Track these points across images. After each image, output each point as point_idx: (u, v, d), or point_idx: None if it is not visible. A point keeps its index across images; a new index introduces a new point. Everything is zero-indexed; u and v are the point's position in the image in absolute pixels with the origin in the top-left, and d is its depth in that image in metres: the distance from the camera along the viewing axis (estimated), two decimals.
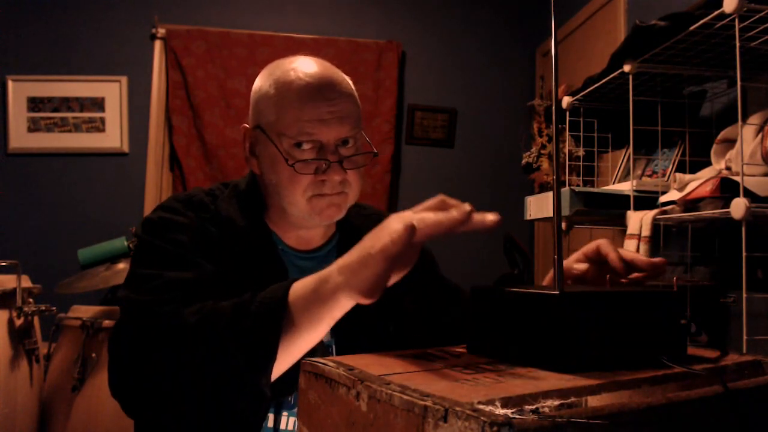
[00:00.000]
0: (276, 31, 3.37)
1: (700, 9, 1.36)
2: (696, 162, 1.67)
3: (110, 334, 0.82)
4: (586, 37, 2.88)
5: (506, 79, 3.57)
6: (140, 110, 3.27)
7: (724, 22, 1.31)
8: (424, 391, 0.41)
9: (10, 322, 1.85)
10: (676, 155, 1.78)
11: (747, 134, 1.37)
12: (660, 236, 1.57)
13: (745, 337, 1.21)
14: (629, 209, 1.61)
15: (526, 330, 0.54)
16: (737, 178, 1.24)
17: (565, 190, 1.70)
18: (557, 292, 0.51)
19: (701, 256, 1.69)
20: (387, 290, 0.66)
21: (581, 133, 2.06)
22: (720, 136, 1.50)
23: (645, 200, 1.63)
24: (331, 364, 0.52)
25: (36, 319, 1.96)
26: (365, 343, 0.93)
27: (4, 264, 1.90)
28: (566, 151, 2.22)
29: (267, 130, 0.91)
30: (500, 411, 0.36)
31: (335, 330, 0.96)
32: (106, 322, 1.98)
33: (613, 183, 2.01)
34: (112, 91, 3.25)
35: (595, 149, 2.13)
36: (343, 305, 0.67)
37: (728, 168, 1.43)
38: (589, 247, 0.80)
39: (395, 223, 0.61)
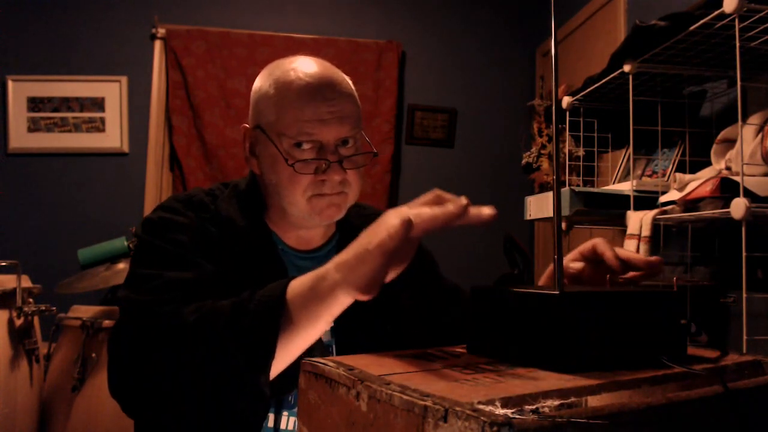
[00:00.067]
0: (276, 31, 3.37)
1: (700, 9, 1.36)
2: (696, 162, 1.67)
3: (109, 334, 0.82)
4: (586, 37, 2.88)
5: (506, 79, 3.57)
6: (140, 110, 3.27)
7: (724, 22, 1.31)
8: (424, 391, 0.41)
9: (10, 322, 1.85)
10: (676, 155, 1.78)
11: (747, 134, 1.37)
12: (660, 236, 1.57)
13: (745, 337, 1.20)
14: (629, 209, 1.61)
15: (526, 330, 0.54)
16: (737, 178, 1.24)
17: (565, 190, 1.70)
18: (557, 292, 0.51)
19: (701, 256, 1.69)
20: (387, 290, 0.66)
21: (581, 133, 2.06)
22: (720, 136, 1.50)
23: (645, 200, 1.63)
24: (331, 364, 0.52)
25: (36, 319, 1.96)
26: (365, 343, 0.93)
27: (4, 264, 1.90)
28: (566, 151, 2.22)
29: (267, 130, 0.91)
30: (500, 411, 0.36)
31: (335, 330, 0.96)
32: (106, 322, 1.98)
33: (613, 183, 2.01)
34: (112, 91, 3.25)
35: (595, 149, 2.13)
36: (341, 302, 0.67)
37: (728, 168, 1.43)
38: (585, 246, 0.80)
39: (392, 219, 0.62)
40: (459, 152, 3.52)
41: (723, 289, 1.41)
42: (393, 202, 3.38)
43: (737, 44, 1.23)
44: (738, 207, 1.19)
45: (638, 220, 1.52)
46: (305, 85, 0.88)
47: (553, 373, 0.49)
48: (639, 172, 1.90)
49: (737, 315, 1.26)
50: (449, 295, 1.11)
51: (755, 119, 1.40)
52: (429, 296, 1.08)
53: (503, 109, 3.55)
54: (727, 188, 1.29)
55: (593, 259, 0.78)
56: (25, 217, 3.15)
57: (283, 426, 0.90)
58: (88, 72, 3.25)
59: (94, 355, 1.95)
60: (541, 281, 0.88)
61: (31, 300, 1.96)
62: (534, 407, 0.38)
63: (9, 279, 1.88)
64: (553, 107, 0.62)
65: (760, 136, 1.34)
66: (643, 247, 1.49)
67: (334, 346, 0.96)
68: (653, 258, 0.77)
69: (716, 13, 1.28)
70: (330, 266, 0.67)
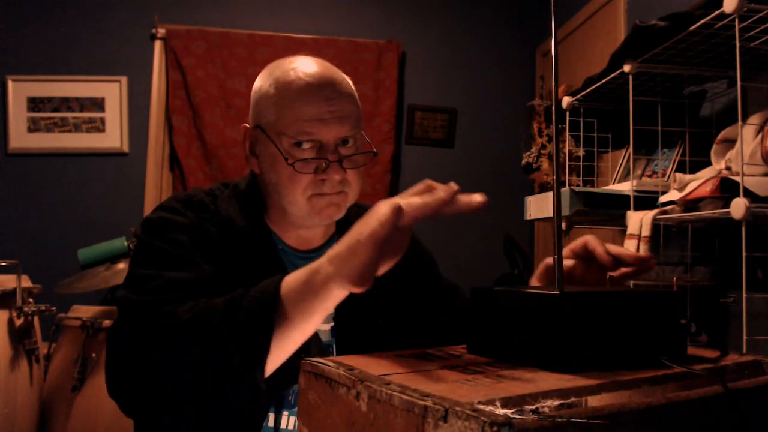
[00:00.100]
0: (276, 31, 3.37)
1: (700, 9, 1.36)
2: (696, 162, 1.67)
3: (107, 334, 0.82)
4: (586, 37, 2.88)
5: (506, 79, 3.57)
6: (140, 110, 3.27)
7: (724, 22, 1.31)
8: (424, 391, 0.41)
9: (10, 322, 1.85)
10: (676, 155, 1.78)
11: (747, 134, 1.37)
12: (660, 236, 1.57)
13: (745, 337, 1.20)
14: (629, 209, 1.61)
15: (526, 330, 0.54)
16: (737, 178, 1.24)
17: (565, 190, 1.70)
18: (557, 292, 0.51)
19: (701, 256, 1.69)
20: (387, 290, 0.66)
21: (581, 133, 2.06)
22: (720, 136, 1.50)
23: (645, 200, 1.63)
24: (331, 364, 0.52)
25: (36, 319, 1.96)
26: (365, 343, 0.93)
27: (4, 264, 1.90)
28: (566, 151, 2.22)
29: (267, 129, 0.91)
30: (500, 411, 0.36)
31: (335, 330, 0.96)
32: (106, 322, 1.98)
33: (613, 183, 2.01)
34: (112, 91, 3.25)
35: (595, 149, 2.13)
36: (336, 295, 0.67)
37: (728, 168, 1.43)
38: (576, 243, 0.80)
39: (382, 208, 0.62)
40: (459, 152, 3.52)
41: (723, 289, 1.41)
42: None
43: (737, 44, 1.23)
44: (738, 207, 1.19)
45: (638, 220, 1.52)
46: (305, 85, 0.88)
47: (553, 373, 0.49)
48: (639, 172, 1.90)
49: (737, 315, 1.26)
50: (449, 295, 1.11)
51: (755, 119, 1.40)
52: (429, 296, 1.08)
53: (503, 109, 3.55)
54: (727, 188, 1.29)
55: (585, 256, 0.78)
56: (25, 217, 3.15)
57: (283, 425, 0.90)
58: (88, 72, 3.25)
59: (94, 355, 1.95)
60: (534, 280, 0.88)
61: (31, 300, 1.96)
62: (534, 407, 0.38)
63: (9, 279, 1.88)
64: (553, 107, 0.62)
65: (760, 136, 1.34)
66: (643, 247, 1.48)
67: (334, 346, 0.96)
68: (643, 254, 0.77)
69: (716, 13, 1.28)
70: (323, 259, 0.67)
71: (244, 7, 3.40)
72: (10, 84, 3.18)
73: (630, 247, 1.50)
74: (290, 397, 0.91)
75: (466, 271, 2.38)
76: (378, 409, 0.43)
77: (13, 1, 3.21)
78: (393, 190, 3.40)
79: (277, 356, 0.71)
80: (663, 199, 1.53)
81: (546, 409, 0.38)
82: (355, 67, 3.32)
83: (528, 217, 2.02)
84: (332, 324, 0.97)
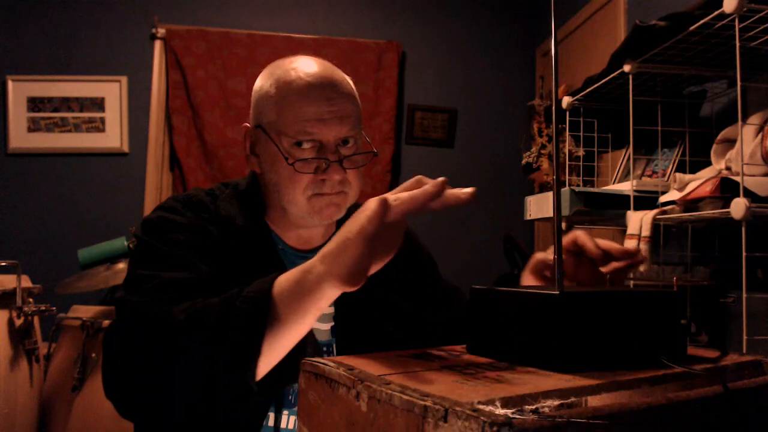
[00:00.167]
0: (276, 31, 3.37)
1: (700, 9, 1.36)
2: (696, 162, 1.67)
3: (105, 336, 0.82)
4: (586, 37, 2.88)
5: (506, 79, 3.57)
6: (140, 110, 3.28)
7: (724, 22, 1.31)
8: (424, 391, 0.41)
9: (10, 322, 1.84)
10: (676, 155, 1.78)
11: (747, 134, 1.37)
12: (660, 236, 1.57)
13: (745, 337, 1.20)
14: (629, 209, 1.61)
15: (526, 330, 0.54)
16: (737, 178, 1.24)
17: (565, 190, 1.70)
18: (557, 292, 0.51)
19: (701, 256, 1.69)
20: (386, 290, 0.66)
21: (581, 133, 2.06)
22: (720, 136, 1.50)
23: (645, 200, 1.63)
24: (331, 364, 0.52)
25: (36, 319, 1.96)
26: (365, 343, 0.93)
27: (4, 264, 1.90)
28: (566, 151, 2.22)
29: (267, 129, 0.91)
30: (500, 411, 0.36)
31: (335, 330, 0.96)
32: (106, 322, 1.97)
33: (613, 183, 2.01)
34: (112, 91, 3.25)
35: (595, 149, 2.13)
36: (328, 295, 0.66)
37: (728, 168, 1.43)
38: (565, 239, 0.81)
39: (371, 203, 0.61)
40: (459, 152, 3.52)
41: (723, 289, 1.41)
42: None
43: (737, 44, 1.23)
44: (738, 207, 1.19)
45: (638, 220, 1.52)
46: (306, 85, 0.88)
47: (553, 373, 0.49)
48: (639, 172, 1.90)
49: (737, 315, 1.26)
50: (449, 296, 1.11)
51: (755, 119, 1.40)
52: (428, 296, 1.08)
53: (503, 109, 3.55)
54: (727, 188, 1.29)
55: (575, 251, 0.78)
56: (25, 217, 3.15)
57: (283, 425, 0.90)
58: (88, 72, 3.25)
59: (94, 355, 1.95)
60: (526, 274, 0.88)
61: (31, 300, 1.96)
62: (534, 407, 0.38)
63: (9, 279, 1.88)
64: (553, 107, 0.62)
65: (760, 136, 1.34)
66: (643, 247, 1.48)
67: (334, 346, 0.96)
68: (632, 247, 0.78)
69: (716, 13, 1.28)
70: (315, 259, 0.67)
71: (244, 7, 3.40)
72: (10, 84, 3.18)
73: (643, 254, 1.49)
74: (290, 397, 0.91)
75: (466, 271, 2.38)
76: (378, 409, 0.43)
77: (13, 1, 3.21)
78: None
79: (270, 357, 0.71)
80: (663, 199, 1.53)
81: (546, 409, 0.38)
82: (355, 67, 3.32)
83: (528, 217, 2.02)
84: (332, 324, 0.97)
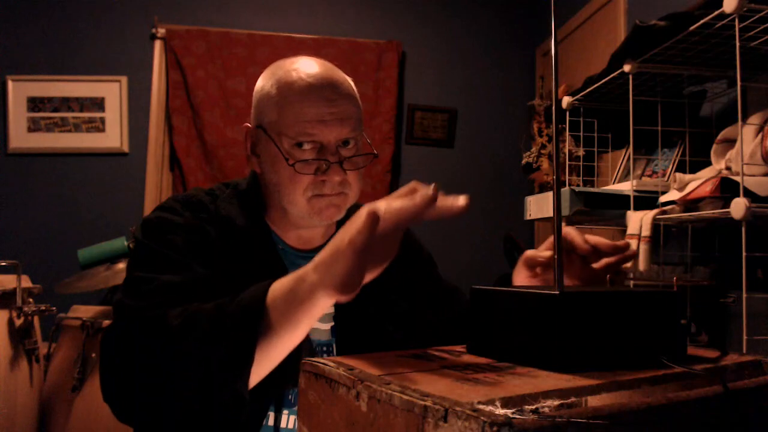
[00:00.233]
0: (276, 31, 3.37)
1: (700, 9, 1.36)
2: (696, 162, 1.67)
3: (102, 338, 0.82)
4: (586, 37, 2.88)
5: (506, 79, 3.57)
6: (140, 110, 3.27)
7: (724, 22, 1.31)
8: (424, 391, 0.41)
9: (10, 322, 1.84)
10: (676, 155, 1.78)
11: (747, 134, 1.37)
12: (660, 236, 1.57)
13: (745, 337, 1.20)
14: (629, 209, 1.61)
15: (526, 330, 0.54)
16: (737, 178, 1.24)
17: (565, 190, 1.70)
18: (557, 292, 0.51)
19: (701, 256, 1.69)
20: (386, 291, 0.66)
21: (581, 133, 2.06)
22: (720, 136, 1.50)
23: (645, 200, 1.63)
24: (331, 364, 0.52)
25: (36, 319, 1.96)
26: (365, 343, 0.93)
27: (4, 264, 1.90)
28: (566, 151, 2.22)
29: (268, 129, 0.91)
30: (500, 411, 0.36)
31: (335, 330, 0.96)
32: (106, 322, 1.97)
33: (613, 183, 2.01)
34: (112, 91, 3.25)
35: (595, 149, 2.13)
36: (321, 304, 0.66)
37: (728, 168, 1.43)
38: None
39: (362, 214, 0.60)
40: (459, 152, 3.52)
41: (723, 289, 1.41)
42: None
43: (737, 44, 1.23)
44: (738, 207, 1.19)
45: (638, 220, 1.52)
46: (307, 86, 0.88)
47: (553, 373, 0.49)
48: (639, 172, 1.90)
49: (737, 315, 1.26)
50: (448, 296, 1.11)
51: (755, 119, 1.40)
52: (428, 296, 1.08)
53: (503, 109, 3.55)
54: (727, 188, 1.29)
55: (565, 247, 0.78)
56: (25, 217, 3.15)
57: (283, 425, 0.90)
58: (88, 72, 3.25)
59: (94, 355, 1.95)
60: (517, 271, 0.89)
61: (31, 300, 1.96)
62: (534, 407, 0.38)
63: (9, 279, 1.87)
64: (553, 107, 0.62)
65: (760, 136, 1.34)
66: (643, 247, 1.48)
67: (334, 346, 0.96)
68: (620, 242, 0.79)
69: (716, 13, 1.28)
70: (309, 267, 0.66)
71: (244, 7, 3.40)
72: (10, 84, 3.18)
73: (633, 248, 1.49)
74: (290, 397, 0.91)
75: (466, 271, 2.38)
76: (378, 409, 0.43)
77: (13, 1, 3.21)
78: (393, 190, 3.35)
79: (263, 365, 0.71)
80: (663, 199, 1.53)
81: (546, 409, 0.38)
82: (355, 67, 3.32)
83: (528, 217, 2.02)
84: (332, 324, 0.97)
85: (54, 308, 2.00)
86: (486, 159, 3.52)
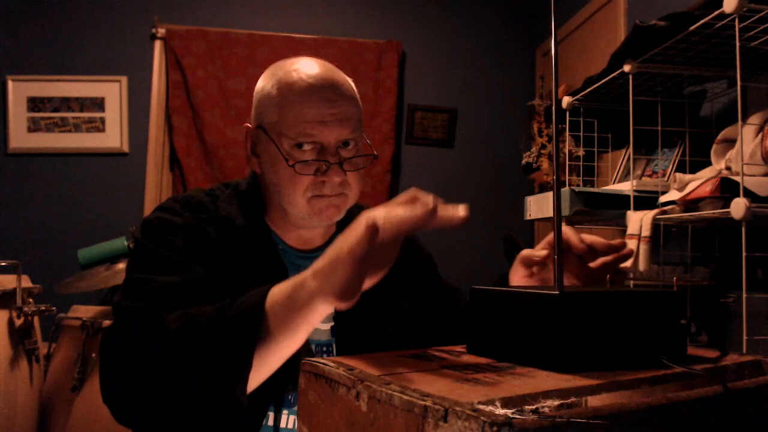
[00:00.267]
0: (276, 31, 3.37)
1: (700, 9, 1.36)
2: (696, 162, 1.67)
3: (101, 340, 0.82)
4: (586, 37, 2.88)
5: (506, 79, 3.57)
6: (140, 110, 3.27)
7: (724, 22, 1.31)
8: (424, 391, 0.41)
9: (10, 322, 1.84)
10: (676, 155, 1.78)
11: (747, 134, 1.37)
12: (660, 236, 1.57)
13: (745, 337, 1.20)
14: (629, 209, 1.61)
15: (526, 330, 0.54)
16: (737, 178, 1.24)
17: (565, 190, 1.70)
18: (557, 292, 0.51)
19: (701, 256, 1.69)
20: (386, 291, 0.66)
21: (581, 133, 2.06)
22: (720, 136, 1.50)
23: (645, 200, 1.63)
24: (331, 364, 0.52)
25: (36, 319, 1.96)
26: (365, 343, 0.93)
27: (4, 264, 1.90)
28: (566, 151, 2.22)
29: (268, 130, 0.91)
30: (500, 411, 0.36)
31: (335, 330, 0.96)
32: (106, 322, 1.97)
33: (613, 183, 2.01)
34: (112, 91, 3.25)
35: (595, 149, 2.13)
36: (320, 311, 0.66)
37: (728, 168, 1.43)
38: (551, 235, 0.81)
39: (361, 223, 0.60)
40: (459, 152, 3.52)
41: (723, 289, 1.41)
42: None
43: (737, 44, 1.23)
44: (738, 207, 1.19)
45: (638, 220, 1.52)
46: (307, 87, 0.88)
47: (553, 373, 0.49)
48: (639, 172, 1.90)
49: (737, 315, 1.26)
50: (448, 296, 1.11)
51: (755, 119, 1.40)
52: (428, 296, 1.08)
53: (503, 109, 3.55)
54: (727, 188, 1.29)
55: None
56: (25, 217, 3.15)
57: (283, 425, 0.90)
58: (88, 72, 3.25)
59: (94, 355, 1.94)
60: (512, 276, 0.89)
61: (31, 300, 1.96)
62: (534, 407, 0.38)
63: (9, 279, 1.87)
64: (553, 107, 0.62)
65: (760, 136, 1.34)
66: (643, 247, 1.48)
67: (334, 346, 0.96)
68: (616, 241, 0.79)
69: (716, 13, 1.28)
70: (308, 273, 0.66)
71: (244, 7, 3.40)
72: (10, 84, 3.18)
73: (630, 247, 1.50)
74: (290, 397, 0.91)
75: (466, 271, 2.38)
76: (378, 409, 0.43)
77: (13, 1, 3.21)
78: (393, 190, 3.40)
79: (261, 371, 0.71)
80: (663, 199, 1.53)
81: (546, 409, 0.38)
82: (356, 67, 3.32)
83: (528, 217, 2.02)
84: (332, 324, 0.97)
85: (54, 308, 2.00)
86: (486, 159, 3.52)
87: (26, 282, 1.96)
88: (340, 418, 0.48)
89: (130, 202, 3.22)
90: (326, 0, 3.48)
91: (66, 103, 3.23)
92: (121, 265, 2.23)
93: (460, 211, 0.61)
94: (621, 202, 1.68)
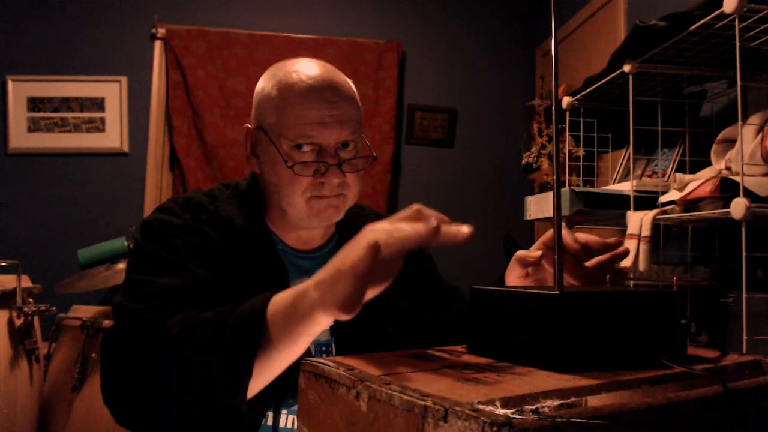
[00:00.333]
0: (276, 31, 3.37)
1: (700, 9, 1.36)
2: (696, 162, 1.67)
3: (103, 341, 0.82)
4: (586, 37, 2.88)
5: (506, 79, 3.57)
6: (140, 110, 3.27)
7: (724, 22, 1.31)
8: (424, 391, 0.41)
9: (10, 322, 1.84)
10: (676, 155, 1.78)
11: (747, 134, 1.37)
12: (660, 236, 1.57)
13: (745, 337, 1.21)
14: (629, 209, 1.61)
15: (526, 330, 0.54)
16: (737, 178, 1.24)
17: (565, 190, 1.70)
18: (557, 292, 0.51)
19: (701, 256, 1.69)
20: (386, 291, 0.66)
21: (581, 133, 2.06)
22: (720, 136, 1.50)
23: (645, 200, 1.63)
24: (331, 364, 0.52)
25: (36, 319, 1.96)
26: (365, 343, 0.93)
27: (4, 264, 1.90)
28: (566, 151, 2.22)
29: (268, 131, 0.91)
30: (500, 411, 0.36)
31: (335, 330, 0.96)
32: (106, 322, 1.98)
33: (613, 183, 2.01)
34: (112, 91, 3.25)
35: (595, 149, 2.13)
36: (321, 321, 0.66)
37: (728, 168, 1.43)
38: (546, 235, 0.82)
39: (364, 240, 0.60)
40: (459, 152, 3.52)
41: (723, 289, 1.41)
42: (393, 201, 3.39)
43: (737, 44, 1.23)
44: (738, 207, 1.19)
45: (638, 220, 1.52)
46: (307, 88, 0.88)
47: (553, 373, 0.49)
48: (639, 172, 1.90)
49: (737, 315, 1.26)
50: (448, 296, 1.11)
51: (755, 119, 1.40)
52: (428, 296, 1.08)
53: (503, 109, 3.55)
54: (727, 188, 1.29)
55: (554, 246, 0.78)
56: (25, 217, 3.15)
57: (282, 425, 0.90)
58: (88, 72, 3.25)
59: (94, 355, 1.94)
60: (508, 276, 0.89)
61: (31, 300, 1.96)
62: (534, 407, 0.38)
63: (9, 279, 1.87)
64: (553, 107, 0.62)
65: (760, 136, 1.34)
66: (643, 247, 1.48)
67: (333, 346, 0.96)
68: (611, 239, 0.78)
69: (716, 13, 1.28)
70: (310, 283, 0.66)
71: (244, 7, 3.40)
72: (10, 84, 3.18)
73: (630, 247, 1.50)
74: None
75: (466, 271, 2.38)
76: (378, 409, 0.43)
77: (14, 1, 3.21)
78: (393, 190, 3.40)
79: (261, 379, 0.71)
80: (663, 199, 1.53)
81: (546, 409, 0.38)
82: (355, 67, 3.32)
83: (528, 217, 2.02)
84: (332, 323, 0.97)
85: (54, 308, 2.00)
86: (486, 159, 3.52)
87: (26, 282, 1.96)
88: (340, 418, 0.48)
89: (130, 202, 3.22)
90: (326, 0, 3.48)
91: (66, 103, 3.23)
92: (121, 265, 2.23)
93: (464, 228, 0.61)
94: (621, 202, 1.68)
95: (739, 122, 1.28)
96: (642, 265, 1.48)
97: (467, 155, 3.52)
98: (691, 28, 1.38)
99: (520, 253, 0.87)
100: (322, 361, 0.53)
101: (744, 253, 1.17)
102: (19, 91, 3.19)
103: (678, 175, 1.50)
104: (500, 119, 3.54)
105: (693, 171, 1.58)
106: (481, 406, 0.37)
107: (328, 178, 0.88)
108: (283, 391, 0.77)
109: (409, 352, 0.60)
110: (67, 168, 3.22)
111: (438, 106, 3.49)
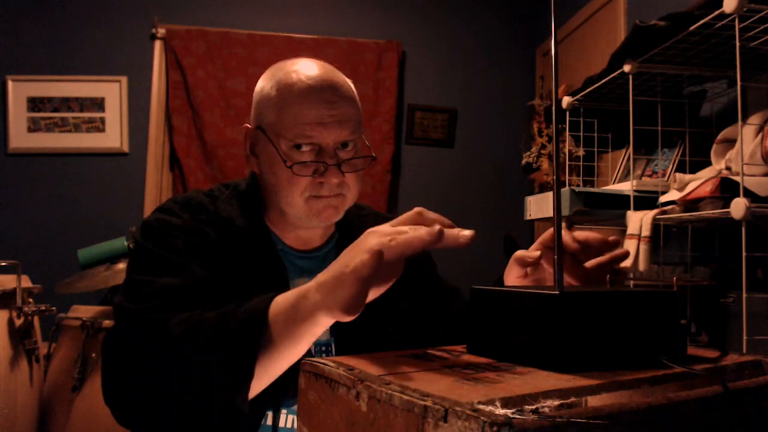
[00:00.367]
0: (276, 31, 3.37)
1: (700, 9, 1.36)
2: (696, 162, 1.67)
3: (103, 341, 0.82)
4: (586, 37, 2.88)
5: (506, 79, 3.57)
6: (140, 110, 3.28)
7: (724, 22, 1.31)
8: (424, 391, 0.41)
9: (10, 322, 1.84)
10: (676, 155, 1.78)
11: (747, 134, 1.37)
12: (660, 236, 1.57)
13: (745, 337, 1.21)
14: (629, 209, 1.61)
15: (526, 330, 0.54)
16: (737, 178, 1.24)
17: (565, 190, 1.70)
18: (557, 292, 0.51)
19: (701, 256, 1.69)
20: (386, 291, 0.66)
21: (581, 133, 2.06)
22: (720, 136, 1.50)
23: (645, 200, 1.63)
24: (331, 364, 0.52)
25: (36, 319, 1.96)
26: (365, 343, 0.93)
27: (4, 264, 1.90)
28: (566, 151, 2.22)
29: (267, 130, 0.91)
30: (500, 411, 0.36)
31: (335, 330, 0.96)
32: (106, 322, 1.98)
33: (613, 183, 2.01)
34: (112, 91, 3.25)
35: (595, 149, 2.13)
36: (322, 323, 0.66)
37: (728, 168, 1.43)
38: (544, 235, 0.82)
39: (366, 245, 0.60)
40: (459, 152, 3.52)
41: (723, 289, 1.41)
42: (393, 201, 3.39)
43: (737, 44, 1.23)
44: (738, 207, 1.19)
45: (638, 220, 1.52)
46: (306, 88, 0.88)
47: (553, 373, 0.49)
48: (639, 172, 1.90)
49: (737, 315, 1.26)
50: (448, 296, 1.11)
51: (755, 119, 1.40)
52: (428, 296, 1.08)
53: (503, 109, 3.55)
54: (727, 188, 1.29)
55: (552, 246, 0.78)
56: (25, 217, 3.15)
57: (282, 424, 0.90)
58: (88, 72, 3.25)
59: (94, 355, 1.94)
60: (506, 277, 0.89)
61: (31, 300, 1.96)
62: (534, 407, 0.38)
63: (9, 279, 1.87)
64: (553, 107, 0.62)
65: (760, 136, 1.34)
66: (643, 247, 1.48)
67: (333, 346, 0.96)
68: (610, 237, 0.79)
69: (716, 13, 1.28)
70: (312, 285, 0.66)
71: (244, 7, 3.40)
72: (10, 84, 3.18)
73: (630, 247, 1.50)
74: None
75: (466, 271, 2.38)
76: (378, 409, 0.43)
77: (13, 1, 3.21)
78: (393, 190, 3.40)
79: (262, 380, 0.71)
80: (663, 199, 1.53)
81: (546, 409, 0.38)
82: (355, 67, 3.32)
83: (528, 217, 2.02)
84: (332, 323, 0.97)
85: (54, 308, 2.00)
86: (486, 159, 3.52)
87: (26, 282, 1.96)
88: (340, 418, 0.48)
89: (130, 202, 3.22)
90: (326, 0, 3.48)
91: (66, 103, 3.23)
92: (121, 265, 2.23)
93: (466, 232, 0.61)
94: (621, 202, 1.68)
95: (739, 122, 1.28)
96: (642, 265, 1.48)
97: (467, 155, 3.52)
98: (691, 28, 1.38)
99: (519, 253, 0.87)
100: (322, 361, 0.53)
101: (744, 253, 1.17)
102: (19, 91, 3.19)
103: (678, 175, 1.50)
104: (500, 119, 3.54)
105: (693, 171, 1.58)
106: (481, 406, 0.37)
107: (327, 178, 0.89)
108: (283, 391, 0.77)
109: (409, 352, 0.60)
110: (67, 168, 3.22)
111: (438, 106, 3.50)
